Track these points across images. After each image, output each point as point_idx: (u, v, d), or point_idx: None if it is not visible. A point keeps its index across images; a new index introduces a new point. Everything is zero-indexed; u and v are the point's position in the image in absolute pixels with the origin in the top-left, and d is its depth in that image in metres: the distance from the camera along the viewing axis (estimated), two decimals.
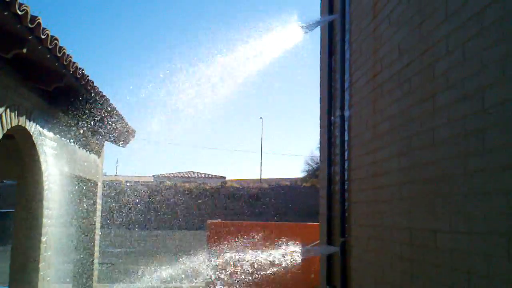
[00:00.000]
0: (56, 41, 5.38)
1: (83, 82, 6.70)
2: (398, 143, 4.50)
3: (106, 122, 8.62)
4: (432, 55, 3.89)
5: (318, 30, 7.61)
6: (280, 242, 8.04)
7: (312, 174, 47.51)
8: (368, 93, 5.39)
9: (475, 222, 3.20)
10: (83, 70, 6.53)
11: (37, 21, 4.76)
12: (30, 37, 4.86)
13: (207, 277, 10.91)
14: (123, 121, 9.46)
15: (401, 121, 4.45)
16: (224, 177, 55.71)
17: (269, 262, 7.60)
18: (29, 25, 4.65)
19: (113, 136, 10.18)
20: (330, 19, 6.92)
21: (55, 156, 7.14)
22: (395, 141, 4.58)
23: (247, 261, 8.02)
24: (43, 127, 6.65)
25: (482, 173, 3.14)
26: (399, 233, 4.42)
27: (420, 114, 4.06)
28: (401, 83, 4.47)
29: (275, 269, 7.74)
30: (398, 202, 4.50)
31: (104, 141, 10.63)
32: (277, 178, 53.41)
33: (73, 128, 7.87)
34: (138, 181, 42.83)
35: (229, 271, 9.08)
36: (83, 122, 7.79)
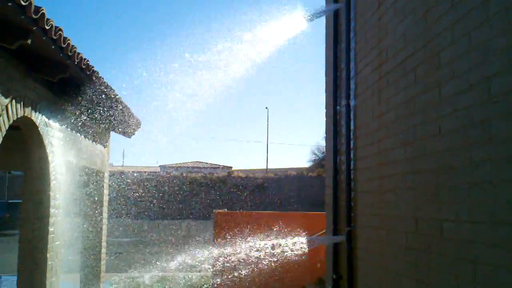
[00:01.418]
0: (60, 32, 5.38)
1: (88, 72, 6.70)
2: (403, 133, 4.49)
3: (111, 113, 8.64)
4: (437, 44, 3.86)
5: (323, 19, 7.57)
6: (286, 231, 8.07)
7: (318, 163, 47.57)
8: (374, 83, 5.37)
9: (480, 212, 3.19)
10: (88, 60, 6.53)
11: (41, 12, 4.76)
12: (34, 28, 4.86)
13: (214, 266, 10.97)
14: (129, 112, 9.48)
15: (406, 111, 4.43)
16: (231, 167, 55.78)
17: (275, 252, 7.62)
18: (33, 16, 4.64)
19: (119, 127, 10.22)
20: (335, 8, 6.87)
21: (62, 147, 7.17)
22: (401, 131, 4.56)
23: (253, 250, 8.04)
24: (49, 118, 6.67)
25: (487, 163, 3.13)
26: (405, 223, 4.42)
27: (425, 104, 4.04)
28: (406, 73, 4.45)
29: (281, 258, 7.76)
30: (403, 191, 4.49)
31: (110, 132, 10.66)
32: (283, 168, 53.42)
33: (79, 119, 7.89)
34: (145, 172, 42.99)
35: (236, 260, 9.12)
36: (89, 112, 7.81)
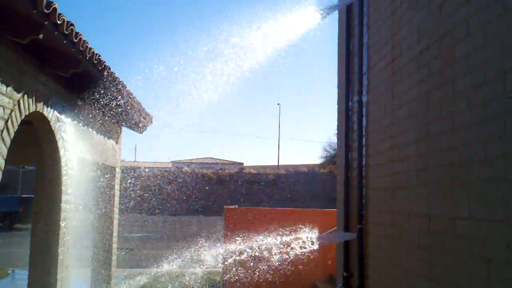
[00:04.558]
0: (72, 27, 5.36)
1: (100, 68, 6.69)
2: (417, 128, 4.43)
3: (123, 108, 8.64)
4: (452, 38, 3.79)
5: (336, 14, 7.50)
6: (297, 228, 8.04)
7: (330, 160, 47.40)
8: (387, 78, 5.31)
9: (495, 209, 3.13)
10: (99, 55, 6.53)
11: (52, 7, 4.74)
12: (46, 23, 4.85)
13: (225, 262, 10.97)
14: (140, 107, 9.48)
15: (420, 106, 4.37)
16: (242, 163, 55.79)
17: (286, 249, 7.60)
18: (45, 10, 4.63)
19: (131, 122, 10.23)
20: (348, 2, 6.81)
21: (73, 142, 7.18)
22: (414, 126, 4.50)
23: (264, 247, 8.02)
24: (60, 113, 6.68)
25: (502, 159, 3.07)
26: (417, 220, 4.36)
27: (439, 99, 3.98)
28: (420, 67, 4.38)
29: (292, 255, 7.74)
30: (416, 188, 4.43)
31: (121, 127, 10.68)
32: (294, 164, 53.35)
33: (91, 114, 7.90)
34: (157, 167, 43.14)
35: (247, 256, 9.11)
36: (101, 107, 7.82)
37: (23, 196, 32.98)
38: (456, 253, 3.62)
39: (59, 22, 5.00)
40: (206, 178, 43.97)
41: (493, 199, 3.17)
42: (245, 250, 9.04)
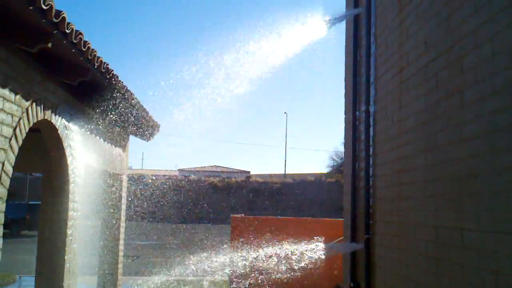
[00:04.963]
0: (80, 36, 5.40)
1: (107, 76, 6.73)
2: (424, 139, 4.42)
3: (130, 116, 8.67)
4: (460, 49, 3.79)
5: (343, 24, 7.51)
6: (303, 238, 8.00)
7: (337, 169, 47.33)
8: (394, 88, 5.30)
9: (503, 221, 3.11)
10: (107, 64, 6.56)
11: (61, 16, 4.78)
12: (55, 32, 4.88)
13: (231, 271, 10.94)
14: (147, 115, 9.51)
15: (428, 116, 4.36)
16: (248, 172, 55.74)
17: (292, 258, 7.57)
18: (54, 19, 4.67)
19: (138, 130, 10.26)
20: (355, 12, 6.82)
21: (81, 150, 7.21)
22: (421, 137, 4.49)
23: (270, 256, 8.00)
24: (68, 121, 6.71)
25: (511, 170, 3.05)
26: (425, 231, 4.34)
27: (447, 110, 3.97)
28: (428, 78, 4.38)
29: (298, 265, 7.71)
30: (423, 199, 4.42)
31: (129, 135, 10.71)
32: (301, 173, 53.24)
33: (98, 122, 7.93)
34: (164, 175, 43.19)
35: (252, 265, 9.08)
36: (108, 116, 7.85)
37: (30, 203, 33.11)
38: (464, 265, 3.59)
39: (67, 31, 5.04)
40: (212, 186, 43.99)
41: (501, 211, 3.15)
42: (250, 259, 9.01)
